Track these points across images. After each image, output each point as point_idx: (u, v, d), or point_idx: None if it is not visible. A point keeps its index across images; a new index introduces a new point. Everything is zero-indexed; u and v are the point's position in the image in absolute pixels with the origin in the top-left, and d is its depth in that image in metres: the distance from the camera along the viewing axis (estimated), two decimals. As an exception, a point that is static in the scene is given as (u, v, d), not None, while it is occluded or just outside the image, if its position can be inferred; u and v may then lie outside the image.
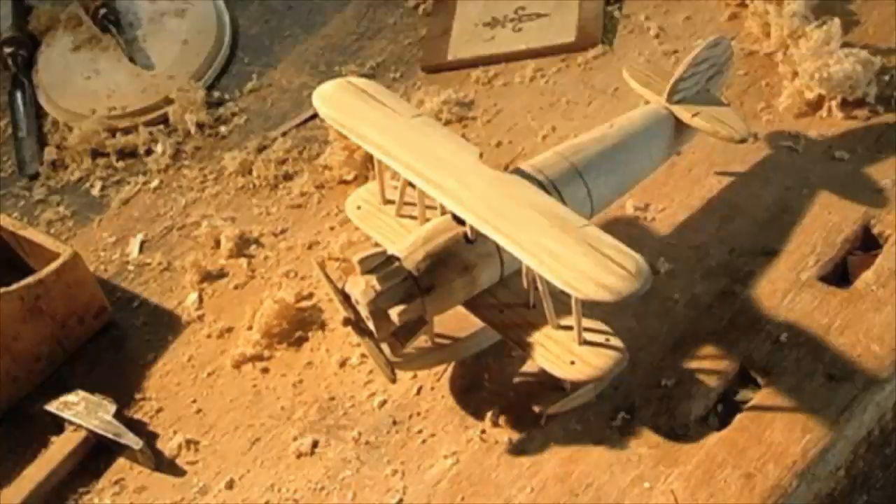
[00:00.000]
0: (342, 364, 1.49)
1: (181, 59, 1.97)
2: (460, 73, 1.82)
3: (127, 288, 1.67)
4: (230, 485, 1.41)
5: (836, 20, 1.63)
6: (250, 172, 1.77)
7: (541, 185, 1.36)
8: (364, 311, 1.31)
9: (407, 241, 1.35)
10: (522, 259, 1.25)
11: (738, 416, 1.32)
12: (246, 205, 1.74)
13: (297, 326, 1.55)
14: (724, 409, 1.35)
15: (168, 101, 1.90)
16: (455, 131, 1.66)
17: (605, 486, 1.30)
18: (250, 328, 1.56)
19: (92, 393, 1.50)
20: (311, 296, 1.58)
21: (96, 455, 1.47)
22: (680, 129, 1.49)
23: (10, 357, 1.52)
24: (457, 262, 1.33)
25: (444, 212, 1.37)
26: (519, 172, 1.38)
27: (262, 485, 1.40)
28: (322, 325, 1.54)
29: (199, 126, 1.87)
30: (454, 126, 1.73)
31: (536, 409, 1.37)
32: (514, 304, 1.35)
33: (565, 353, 1.30)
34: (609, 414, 1.35)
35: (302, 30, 1.99)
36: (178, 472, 1.44)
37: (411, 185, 1.38)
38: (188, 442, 1.46)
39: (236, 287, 1.63)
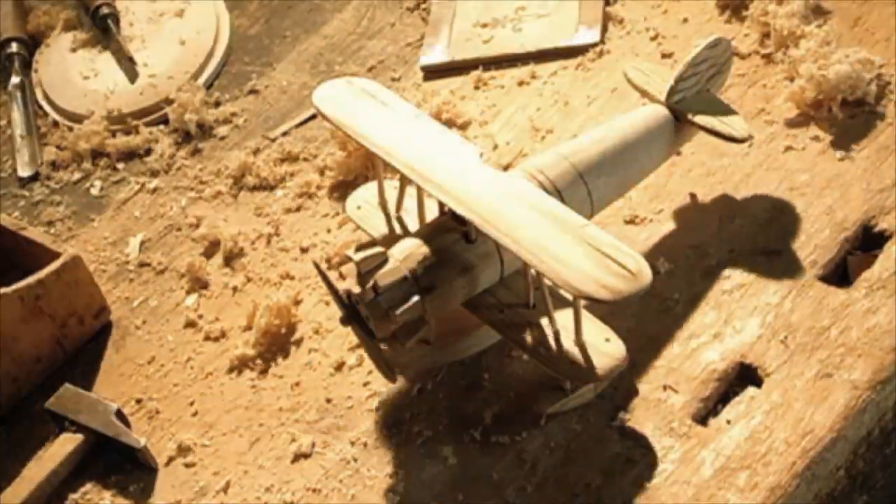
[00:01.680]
0: (340, 365, 1.49)
1: (180, 59, 1.97)
2: (460, 73, 1.82)
3: (127, 288, 1.67)
4: (228, 485, 1.41)
5: (836, 20, 1.63)
6: (249, 173, 1.77)
7: (541, 185, 1.36)
8: (364, 312, 1.31)
9: (407, 241, 1.35)
10: (522, 259, 1.24)
11: (739, 416, 1.32)
12: (245, 205, 1.74)
13: (296, 327, 1.54)
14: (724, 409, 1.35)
15: (168, 101, 1.90)
16: (455, 132, 1.67)
17: (605, 487, 1.29)
18: (249, 329, 1.55)
19: (92, 393, 1.50)
20: (309, 297, 1.58)
21: (96, 455, 1.47)
22: (680, 129, 1.49)
23: (10, 357, 1.52)
24: (457, 262, 1.33)
25: (443, 212, 1.37)
26: (519, 173, 1.38)
27: (260, 486, 1.40)
28: (320, 326, 1.54)
29: (199, 126, 1.87)
30: (454, 126, 1.73)
31: (536, 409, 1.37)
32: (514, 304, 1.35)
33: (565, 354, 1.30)
34: (609, 414, 1.35)
35: (302, 30, 1.99)
36: (177, 472, 1.44)
37: (411, 184, 1.38)
38: (187, 443, 1.46)
39: (235, 288, 1.63)
